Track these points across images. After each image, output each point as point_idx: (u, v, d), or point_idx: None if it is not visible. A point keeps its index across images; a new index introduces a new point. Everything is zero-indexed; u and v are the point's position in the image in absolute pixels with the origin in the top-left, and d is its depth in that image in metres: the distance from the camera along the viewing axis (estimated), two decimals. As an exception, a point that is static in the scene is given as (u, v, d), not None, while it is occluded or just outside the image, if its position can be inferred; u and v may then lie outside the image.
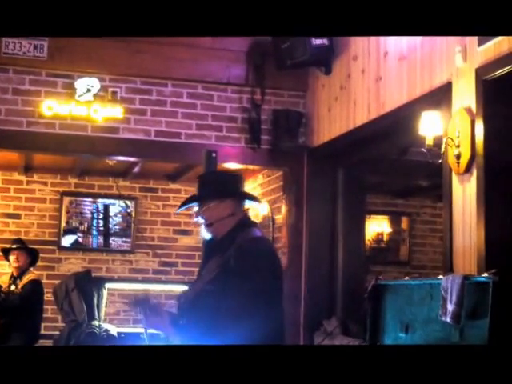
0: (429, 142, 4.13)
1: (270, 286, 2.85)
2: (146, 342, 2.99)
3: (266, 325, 2.72)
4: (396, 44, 4.97)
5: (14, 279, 6.60)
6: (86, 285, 6.51)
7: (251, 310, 2.74)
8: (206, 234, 3.02)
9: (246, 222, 3.03)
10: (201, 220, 3.01)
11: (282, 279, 2.97)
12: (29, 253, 6.72)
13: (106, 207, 8.02)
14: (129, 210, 8.05)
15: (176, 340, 2.88)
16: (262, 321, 2.72)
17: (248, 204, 3.09)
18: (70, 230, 7.90)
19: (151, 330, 3.00)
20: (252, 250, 2.87)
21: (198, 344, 2.70)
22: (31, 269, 6.73)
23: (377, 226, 8.46)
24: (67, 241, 7.89)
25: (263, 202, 6.83)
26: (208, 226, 2.99)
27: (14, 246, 6.68)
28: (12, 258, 6.62)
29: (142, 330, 3.07)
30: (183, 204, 3.17)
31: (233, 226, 2.97)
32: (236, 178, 3.14)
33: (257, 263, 2.83)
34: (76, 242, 7.93)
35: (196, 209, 3.05)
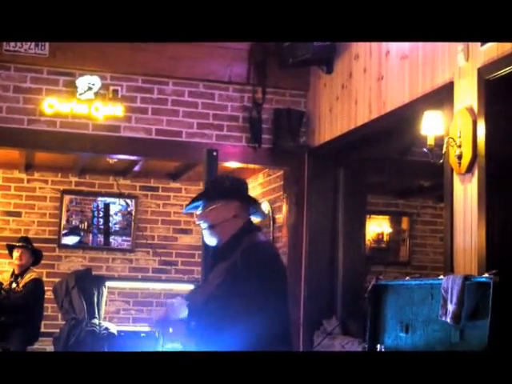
0: (430, 141, 4.12)
1: (274, 289, 2.85)
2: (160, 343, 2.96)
3: (271, 325, 2.73)
4: (398, 43, 4.95)
5: (15, 277, 6.59)
6: (87, 283, 6.50)
7: (256, 312, 2.74)
8: (211, 240, 3.00)
9: (250, 227, 3.02)
10: (203, 224, 2.99)
11: (287, 283, 2.97)
12: (33, 253, 6.72)
13: (107, 206, 8.01)
14: (129, 209, 8.05)
15: (188, 342, 2.87)
16: (267, 322, 2.73)
17: (253, 214, 3.08)
18: (72, 231, 7.88)
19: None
20: (257, 255, 2.87)
21: (200, 347, 2.74)
22: (32, 267, 6.73)
23: (377, 226, 8.44)
24: (70, 240, 7.87)
25: (267, 214, 6.79)
26: (211, 227, 2.96)
27: (20, 244, 6.67)
28: (16, 254, 6.61)
29: (141, 329, 3.07)
30: (190, 203, 3.14)
31: (237, 230, 2.95)
32: (242, 182, 3.14)
33: (261, 268, 2.82)
34: (80, 241, 7.91)
35: (199, 211, 3.02)
